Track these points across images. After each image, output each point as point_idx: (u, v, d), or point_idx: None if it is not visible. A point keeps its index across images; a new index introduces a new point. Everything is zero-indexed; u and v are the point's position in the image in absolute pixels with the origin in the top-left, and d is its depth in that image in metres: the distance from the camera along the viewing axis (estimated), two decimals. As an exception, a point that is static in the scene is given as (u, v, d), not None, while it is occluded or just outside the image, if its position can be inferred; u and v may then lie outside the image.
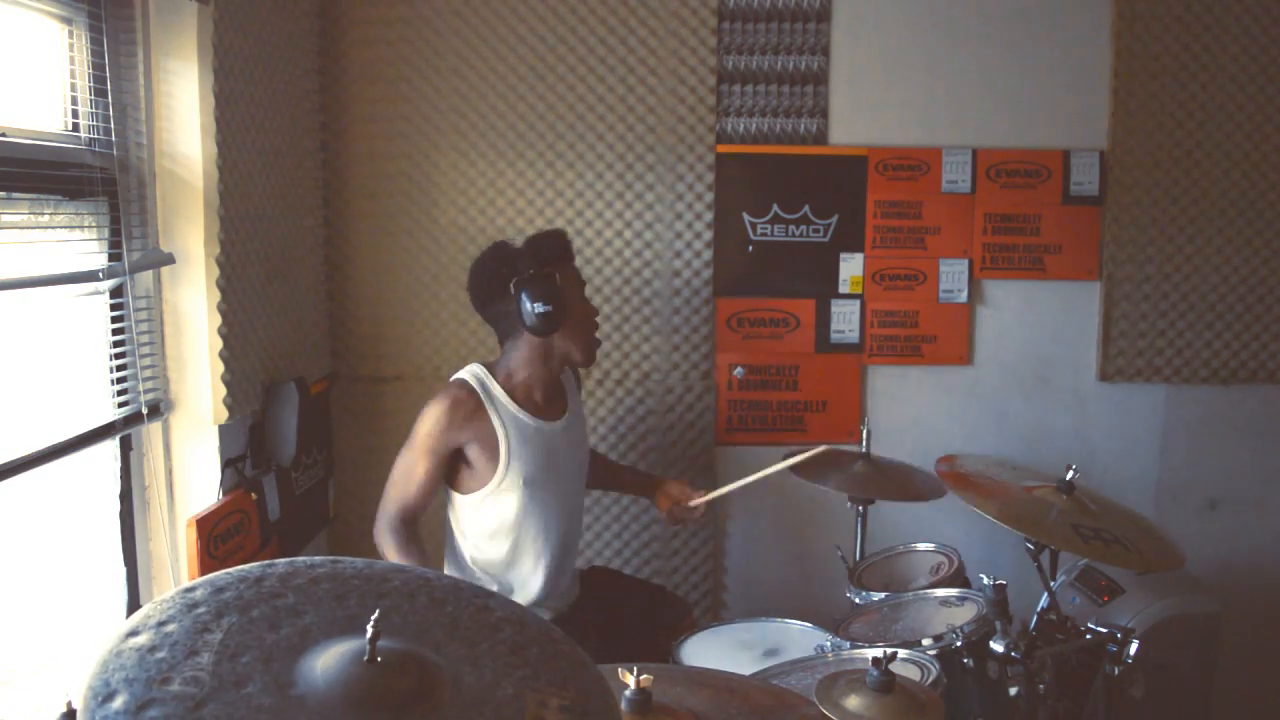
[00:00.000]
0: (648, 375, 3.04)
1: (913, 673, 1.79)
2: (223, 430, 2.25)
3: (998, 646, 1.87)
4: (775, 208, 3.03)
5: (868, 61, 3.01)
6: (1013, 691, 1.89)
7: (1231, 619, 2.72)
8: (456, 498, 2.32)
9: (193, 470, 2.24)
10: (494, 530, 2.29)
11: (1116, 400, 3.14)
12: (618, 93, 2.95)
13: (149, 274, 2.15)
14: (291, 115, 2.63)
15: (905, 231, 3.06)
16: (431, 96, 2.92)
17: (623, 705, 1.26)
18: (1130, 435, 3.16)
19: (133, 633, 0.94)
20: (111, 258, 2.05)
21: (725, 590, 3.15)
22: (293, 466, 2.57)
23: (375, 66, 2.91)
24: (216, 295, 2.19)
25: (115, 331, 2.07)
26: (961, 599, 2.14)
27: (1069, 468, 2.13)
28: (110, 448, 2.09)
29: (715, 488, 2.89)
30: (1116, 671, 1.98)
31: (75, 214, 1.95)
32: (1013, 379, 3.13)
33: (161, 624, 0.96)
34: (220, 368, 2.20)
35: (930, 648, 1.92)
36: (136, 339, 2.09)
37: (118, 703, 0.86)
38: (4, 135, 1.75)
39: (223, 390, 2.21)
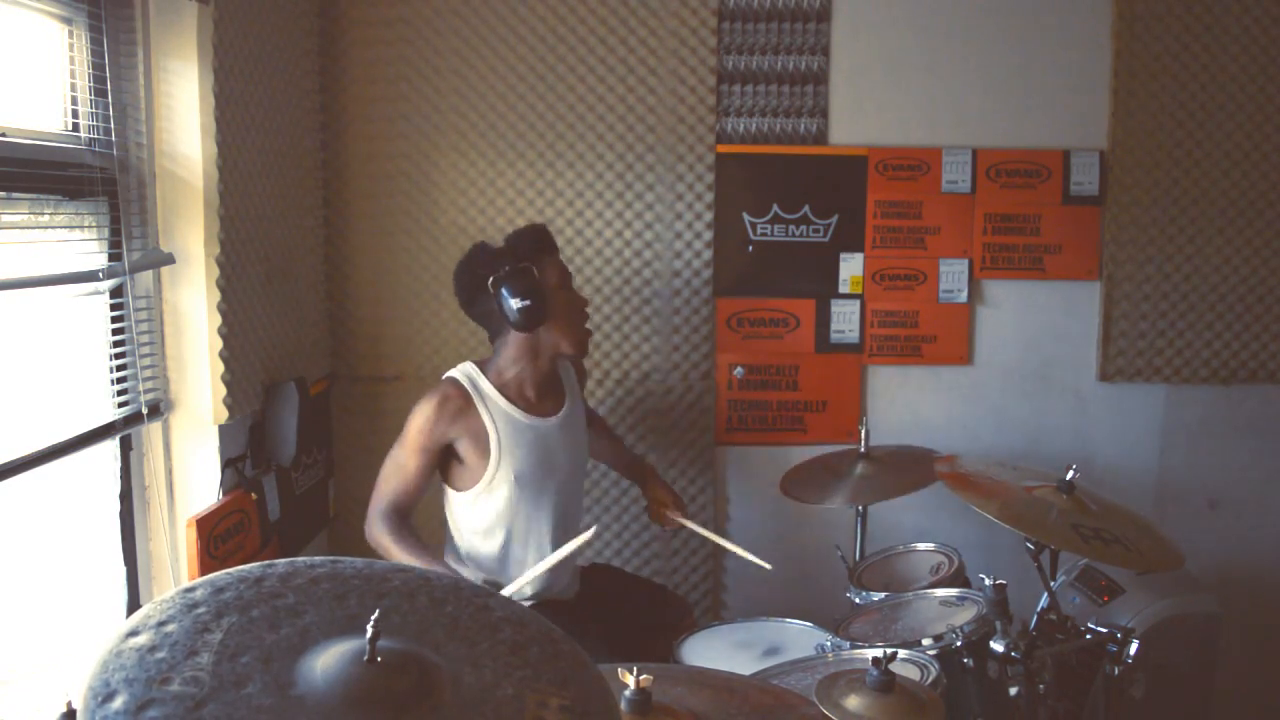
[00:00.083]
0: (648, 375, 3.04)
1: (913, 673, 1.79)
2: (223, 430, 2.25)
3: (998, 646, 1.88)
4: (775, 208, 3.03)
5: (868, 61, 3.01)
6: (1013, 691, 1.88)
7: (1231, 619, 2.72)
8: (451, 494, 2.33)
9: (193, 470, 2.24)
10: (488, 526, 2.30)
11: (1116, 400, 3.14)
12: (618, 93, 2.95)
13: (149, 274, 2.15)
14: (291, 115, 2.63)
15: (905, 231, 3.06)
16: (431, 96, 2.92)
17: (623, 705, 1.26)
18: (1130, 435, 3.16)
19: (133, 633, 0.94)
20: (111, 258, 2.05)
21: (725, 590, 3.15)
22: (293, 466, 2.57)
23: (375, 66, 2.91)
24: (216, 295, 2.19)
25: (115, 331, 2.07)
26: (961, 599, 2.15)
27: (1069, 468, 2.13)
28: (110, 448, 2.09)
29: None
30: (1116, 671, 1.98)
31: (75, 214, 1.95)
32: (1013, 379, 3.13)
33: (161, 624, 0.96)
34: (220, 368, 2.20)
35: (930, 648, 1.92)
36: (136, 339, 2.09)
37: (118, 703, 0.86)
38: (4, 135, 1.75)
39: (223, 390, 2.21)
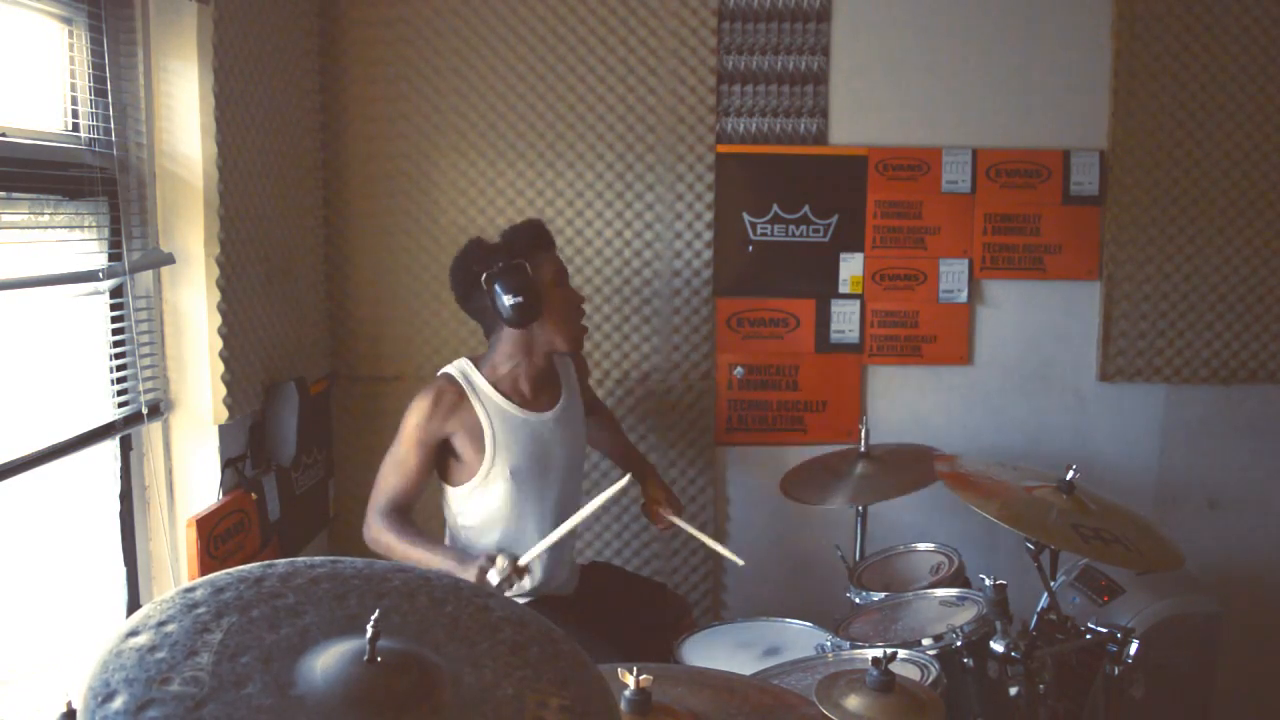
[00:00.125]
0: (648, 375, 3.04)
1: (913, 673, 1.79)
2: (223, 430, 2.25)
3: (998, 646, 1.88)
4: (775, 208, 3.03)
5: (868, 61, 3.01)
6: (1013, 691, 1.88)
7: (1231, 619, 2.71)
8: (449, 491, 2.34)
9: (193, 470, 2.24)
10: (485, 521, 2.30)
11: (1116, 400, 3.14)
12: (618, 93, 2.95)
13: (149, 274, 2.15)
14: (291, 115, 2.63)
15: (905, 231, 3.06)
16: (431, 96, 2.92)
17: (623, 705, 1.26)
18: (1130, 435, 3.16)
19: (133, 633, 0.94)
20: (111, 258, 2.05)
21: (725, 590, 3.15)
22: (293, 466, 2.57)
23: (375, 66, 2.91)
24: (216, 295, 2.19)
25: (115, 331, 2.07)
26: (961, 599, 2.15)
27: (1069, 468, 2.13)
28: (110, 448, 2.09)
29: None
30: (1116, 671, 1.98)
31: (75, 214, 1.95)
32: (1013, 379, 3.13)
33: (161, 624, 0.96)
34: (220, 368, 2.20)
35: (930, 648, 1.92)
36: (136, 339, 2.09)
37: (118, 703, 0.86)
38: (4, 135, 1.75)
39: (223, 390, 2.21)
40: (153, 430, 2.18)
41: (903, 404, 3.12)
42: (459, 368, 2.33)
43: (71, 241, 1.94)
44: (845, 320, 3.08)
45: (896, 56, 3.01)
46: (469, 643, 1.07)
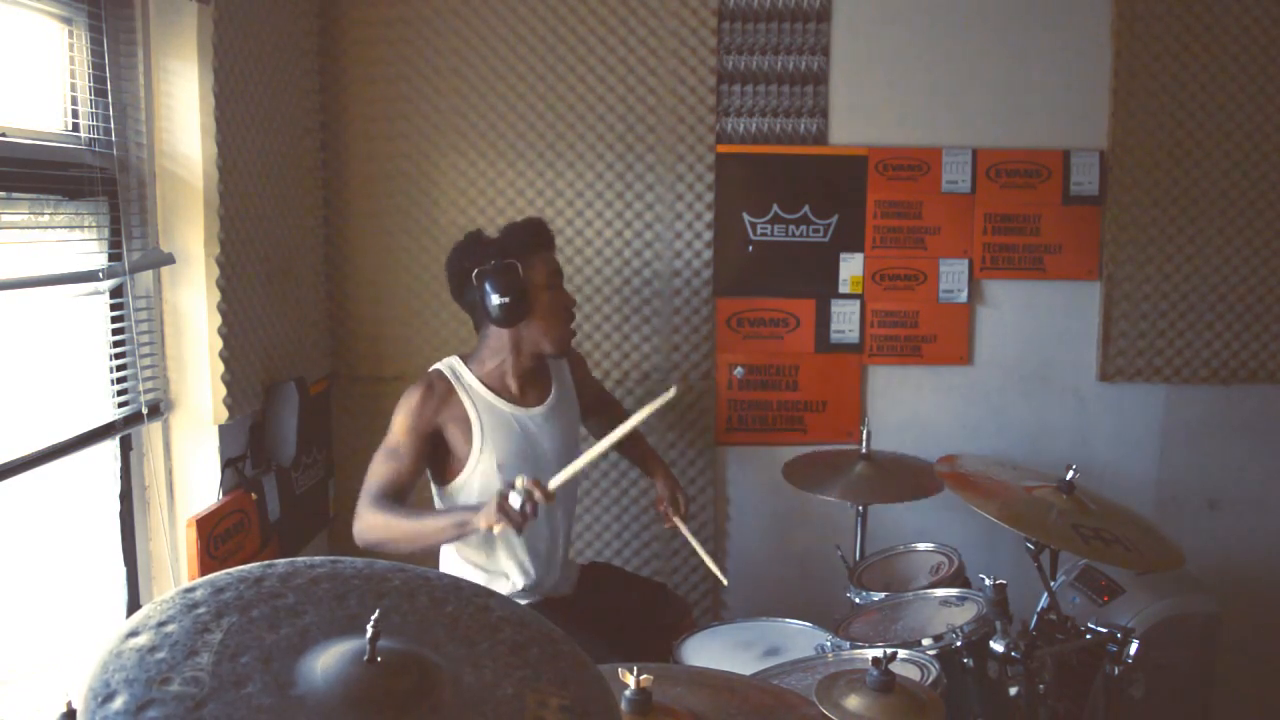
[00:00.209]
0: (648, 375, 3.04)
1: (913, 673, 1.79)
2: (223, 430, 2.25)
3: (998, 646, 1.88)
4: (775, 208, 3.03)
5: (868, 61, 3.01)
6: (1013, 691, 1.88)
7: (1231, 619, 2.71)
8: (437, 490, 2.33)
9: (193, 470, 2.24)
10: None
11: (1116, 400, 3.14)
12: (618, 93, 2.95)
13: (149, 274, 2.15)
14: (291, 115, 2.63)
15: (905, 231, 3.06)
16: (431, 96, 2.92)
17: (623, 705, 1.26)
18: (1130, 435, 3.16)
19: (133, 633, 0.94)
20: (111, 258, 2.05)
21: (725, 590, 3.15)
22: (293, 466, 2.57)
23: (375, 66, 2.91)
24: (216, 295, 2.19)
25: (115, 331, 2.07)
26: (961, 599, 2.14)
27: (1069, 468, 2.13)
28: (110, 448, 2.09)
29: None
30: (1116, 671, 1.98)
31: (75, 214, 1.95)
32: (1013, 379, 3.13)
33: (161, 624, 0.96)
34: (220, 368, 2.20)
35: (930, 648, 1.92)
36: (136, 339, 2.09)
37: (118, 703, 0.86)
38: (4, 135, 1.75)
39: (223, 390, 2.21)
40: (153, 430, 2.18)
41: (903, 404, 3.12)
42: (448, 364, 2.34)
43: (71, 241, 1.94)
44: (845, 320, 3.08)
45: (896, 56, 3.01)
46: (469, 643, 1.07)
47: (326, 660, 0.95)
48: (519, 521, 2.01)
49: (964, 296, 3.08)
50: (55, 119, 1.94)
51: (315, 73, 2.83)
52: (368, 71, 2.91)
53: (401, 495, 2.21)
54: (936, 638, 1.94)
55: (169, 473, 2.22)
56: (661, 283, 3.01)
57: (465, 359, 2.35)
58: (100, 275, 1.97)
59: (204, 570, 2.10)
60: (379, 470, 2.23)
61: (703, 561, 2.43)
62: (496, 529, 2.02)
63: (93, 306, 2.03)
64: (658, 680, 1.32)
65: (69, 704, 1.12)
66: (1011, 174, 3.05)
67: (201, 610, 0.98)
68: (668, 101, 2.96)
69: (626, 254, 3.00)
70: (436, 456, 2.30)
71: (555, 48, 2.92)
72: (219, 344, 2.20)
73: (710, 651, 2.18)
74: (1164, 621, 2.53)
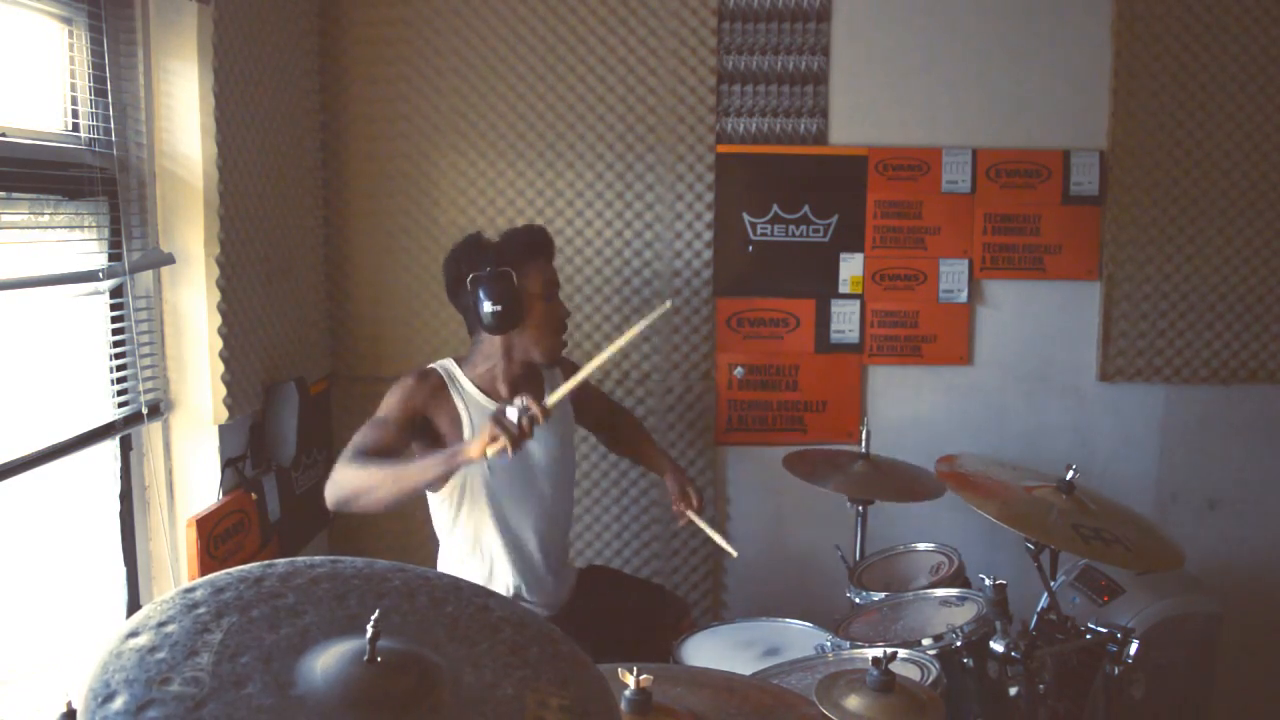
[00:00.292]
0: (648, 375, 3.04)
1: (913, 673, 1.79)
2: (223, 430, 2.25)
3: (998, 646, 1.88)
4: (775, 208, 3.03)
5: (868, 61, 3.01)
6: (1013, 691, 1.88)
7: (1231, 619, 2.71)
8: (433, 502, 2.32)
9: (193, 470, 2.24)
10: (475, 527, 2.28)
11: (1116, 400, 3.14)
12: (618, 93, 2.95)
13: (149, 274, 2.15)
14: (291, 115, 2.63)
15: (905, 231, 3.06)
16: (431, 96, 2.92)
17: (623, 705, 1.26)
18: (1130, 435, 3.16)
19: (133, 633, 0.94)
20: (111, 258, 2.05)
21: (725, 590, 3.15)
22: (293, 466, 2.57)
23: (375, 66, 2.91)
24: (216, 295, 2.19)
25: (115, 331, 2.07)
26: (961, 599, 2.14)
27: (1069, 468, 2.13)
28: (110, 448, 2.09)
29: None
30: (1116, 671, 1.98)
31: (75, 214, 1.95)
32: (1013, 379, 3.13)
33: (161, 624, 0.96)
34: (220, 368, 2.20)
35: (930, 648, 1.92)
36: (136, 339, 2.09)
37: (118, 703, 0.86)
38: (4, 135, 1.75)
39: (223, 390, 2.21)
40: (153, 430, 2.18)
41: (903, 404, 3.12)
42: (442, 364, 2.35)
43: (71, 241, 1.94)
44: (845, 320, 3.08)
45: (896, 56, 3.01)
46: (469, 643, 1.07)
47: (326, 660, 0.95)
48: (515, 435, 1.93)
49: (964, 296, 3.08)
50: (55, 119, 1.94)
51: (315, 73, 2.83)
52: (368, 71, 2.91)
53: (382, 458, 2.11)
54: (936, 638, 1.94)
55: (169, 473, 2.22)
56: (661, 283, 3.02)
57: (459, 361, 2.36)
58: (100, 275, 1.97)
59: (204, 570, 2.10)
60: (361, 435, 2.14)
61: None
62: (491, 451, 1.93)
63: (93, 306, 2.03)
64: (658, 680, 1.32)
65: (69, 704, 1.12)
66: (1011, 174, 3.05)
67: (201, 610, 0.98)
68: (668, 101, 2.96)
69: (626, 254, 3.00)
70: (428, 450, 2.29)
71: (555, 48, 2.92)
72: (219, 344, 2.20)
73: (710, 651, 2.18)
74: (1164, 621, 2.53)
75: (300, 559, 1.11)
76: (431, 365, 2.35)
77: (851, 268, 3.06)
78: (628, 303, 3.01)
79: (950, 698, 1.86)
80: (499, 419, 1.95)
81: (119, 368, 2.06)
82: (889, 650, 1.54)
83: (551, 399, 2.07)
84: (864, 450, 2.68)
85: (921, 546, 2.57)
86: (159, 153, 2.13)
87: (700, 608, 3.07)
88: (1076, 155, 3.05)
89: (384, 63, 2.91)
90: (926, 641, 1.94)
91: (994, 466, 2.39)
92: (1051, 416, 3.14)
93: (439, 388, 2.27)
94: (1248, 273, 3.10)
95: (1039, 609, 2.18)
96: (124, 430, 2.08)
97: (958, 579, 2.36)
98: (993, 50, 3.02)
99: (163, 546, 2.18)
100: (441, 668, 1.00)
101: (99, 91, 2.00)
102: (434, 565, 2.33)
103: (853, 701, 1.44)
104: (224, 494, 2.26)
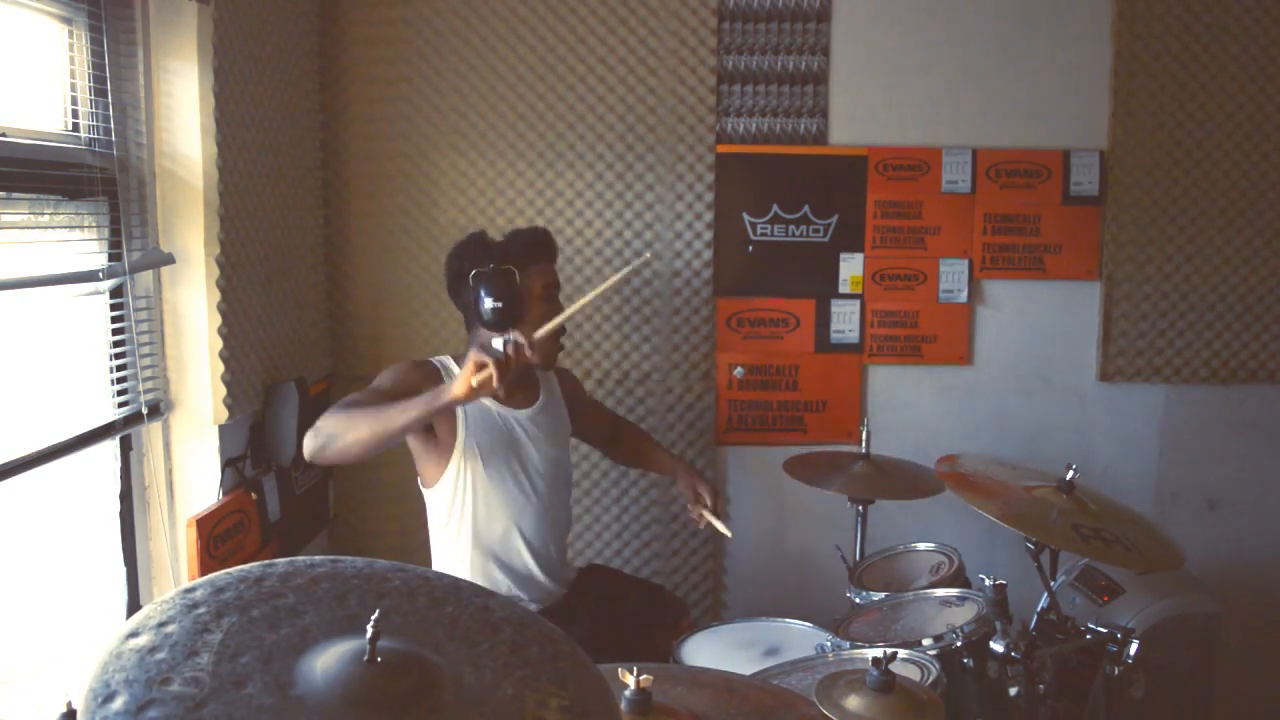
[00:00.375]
0: (648, 375, 3.04)
1: (913, 673, 1.79)
2: (223, 430, 2.25)
3: (998, 646, 1.87)
4: (775, 208, 3.03)
5: (868, 61, 3.01)
6: (1013, 691, 1.88)
7: (1231, 619, 2.72)
8: (426, 494, 2.33)
9: (193, 470, 2.24)
10: (460, 524, 2.28)
11: (1116, 400, 3.14)
12: (618, 93, 2.95)
13: (149, 274, 2.15)
14: (291, 115, 2.63)
15: (905, 231, 3.06)
16: (431, 96, 2.92)
17: (623, 705, 1.26)
18: (1130, 435, 3.16)
19: (133, 634, 0.94)
20: (111, 258, 2.05)
21: (725, 590, 3.15)
22: (293, 466, 2.57)
23: (375, 66, 2.91)
24: (216, 295, 2.19)
25: (115, 331, 2.07)
26: (961, 599, 2.14)
27: (1069, 468, 2.13)
28: (110, 448, 2.09)
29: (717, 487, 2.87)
30: (1116, 671, 1.98)
31: (75, 214, 1.95)
32: (1013, 379, 3.13)
33: (161, 624, 0.96)
34: (220, 368, 2.20)
35: (930, 648, 1.91)
36: (136, 339, 2.09)
37: (118, 703, 0.86)
38: (4, 135, 1.75)
39: (223, 390, 2.21)
40: (153, 430, 2.18)
41: (903, 404, 3.12)
42: (439, 359, 2.36)
43: (71, 241, 1.94)
44: (845, 320, 3.08)
45: (897, 57, 3.01)
46: (469, 643, 1.07)
47: (326, 660, 0.95)
48: (502, 364, 1.89)
49: (964, 296, 3.08)
50: (55, 119, 1.94)
51: (315, 73, 2.83)
52: (368, 71, 2.91)
53: None
54: (936, 638, 1.94)
55: (169, 473, 2.22)
56: (661, 283, 3.02)
57: (456, 359, 2.36)
58: (100, 275, 1.97)
59: (204, 570, 2.10)
60: (350, 396, 2.14)
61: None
62: (476, 380, 1.88)
63: (93, 306, 2.03)
64: (658, 680, 1.32)
65: (69, 704, 1.12)
66: (1011, 174, 3.05)
67: (201, 610, 0.98)
68: (668, 101, 2.96)
69: (627, 254, 2.99)
70: (423, 450, 2.29)
71: (555, 48, 2.92)
72: (219, 344, 2.20)
73: (710, 651, 2.17)
74: (1164, 621, 2.53)
75: (300, 559, 1.11)
76: (427, 359, 2.35)
77: (851, 268, 3.06)
78: (628, 302, 3.01)
79: (950, 698, 1.86)
80: (485, 346, 1.95)
81: (119, 368, 2.06)
82: (889, 650, 1.54)
83: (540, 332, 2.08)
84: (864, 450, 2.68)
85: (921, 546, 2.57)
86: (159, 153, 2.13)
87: (700, 608, 3.07)
88: (1076, 155, 3.05)
89: (384, 63, 2.91)
90: (926, 642, 1.93)
91: (994, 466, 2.39)
92: (1051, 416, 3.14)
93: (433, 375, 2.27)
94: (1248, 273, 3.10)
95: (1039, 609, 2.18)
96: (124, 430, 2.07)
97: (958, 579, 2.36)
98: (993, 50, 3.02)
99: (163, 546, 2.18)
100: (441, 668, 1.00)
101: (99, 91, 1.99)
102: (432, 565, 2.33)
103: (853, 702, 1.44)
104: (224, 494, 2.26)
